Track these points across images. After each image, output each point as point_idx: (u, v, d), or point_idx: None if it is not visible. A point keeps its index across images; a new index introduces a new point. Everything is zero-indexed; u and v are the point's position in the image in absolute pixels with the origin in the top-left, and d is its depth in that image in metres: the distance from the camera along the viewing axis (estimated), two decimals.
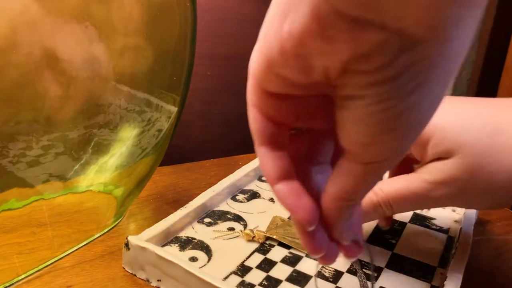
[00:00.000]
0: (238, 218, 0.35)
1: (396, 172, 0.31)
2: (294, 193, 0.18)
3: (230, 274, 0.29)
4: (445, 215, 0.38)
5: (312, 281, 0.29)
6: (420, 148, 0.27)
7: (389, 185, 0.27)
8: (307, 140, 0.19)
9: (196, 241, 0.32)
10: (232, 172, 0.41)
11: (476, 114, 0.25)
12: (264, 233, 0.33)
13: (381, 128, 0.14)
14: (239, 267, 0.30)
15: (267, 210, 0.37)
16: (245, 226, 0.35)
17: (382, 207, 0.27)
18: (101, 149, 0.29)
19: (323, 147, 0.20)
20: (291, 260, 0.31)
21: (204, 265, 0.30)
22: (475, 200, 0.26)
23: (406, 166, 0.31)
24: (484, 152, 0.24)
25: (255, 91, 0.18)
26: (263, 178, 0.43)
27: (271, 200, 0.39)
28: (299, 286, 0.28)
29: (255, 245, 0.32)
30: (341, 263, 0.31)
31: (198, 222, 0.34)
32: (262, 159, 0.18)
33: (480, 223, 0.39)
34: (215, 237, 0.33)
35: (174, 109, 0.33)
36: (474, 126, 0.25)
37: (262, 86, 0.17)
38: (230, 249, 0.32)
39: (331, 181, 0.17)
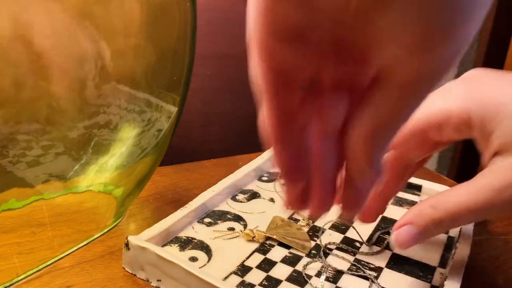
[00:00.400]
0: (238, 218, 0.35)
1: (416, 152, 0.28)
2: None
3: (230, 274, 0.29)
4: None
5: (312, 281, 0.29)
6: (484, 137, 0.24)
7: (450, 199, 0.24)
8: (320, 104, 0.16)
9: (196, 241, 0.32)
10: (232, 172, 0.40)
11: None
12: (264, 233, 0.33)
13: (432, 24, 0.12)
14: (239, 267, 0.30)
15: (267, 210, 0.37)
16: (245, 226, 0.35)
17: (445, 224, 0.25)
18: (101, 149, 0.29)
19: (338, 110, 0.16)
20: (291, 260, 0.31)
21: (204, 265, 0.30)
22: None
23: (426, 147, 0.28)
24: None
25: (263, 37, 0.15)
26: (263, 178, 0.43)
27: (271, 200, 0.39)
28: (299, 286, 0.28)
29: (255, 245, 0.32)
30: (341, 263, 0.31)
31: (198, 222, 0.34)
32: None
33: (480, 223, 0.39)
34: (215, 237, 0.33)
35: (174, 109, 0.33)
36: None
37: (276, 22, 0.14)
38: (230, 249, 0.32)
39: (360, 117, 0.15)
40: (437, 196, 0.25)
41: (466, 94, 0.25)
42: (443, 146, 0.28)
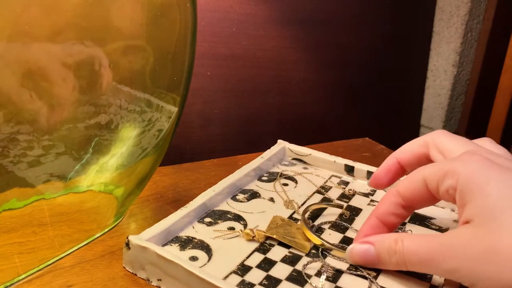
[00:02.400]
0: (238, 218, 0.36)
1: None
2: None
3: (230, 273, 0.29)
4: (445, 215, 0.38)
5: (312, 280, 0.29)
6: (459, 206, 0.26)
7: (411, 240, 0.27)
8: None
9: (196, 240, 0.32)
10: (232, 172, 0.41)
11: None
12: (264, 232, 0.33)
13: None
14: (239, 267, 0.30)
15: (267, 210, 0.37)
16: (245, 225, 0.35)
17: (397, 261, 0.27)
18: (101, 149, 0.29)
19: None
20: (291, 260, 0.31)
21: (204, 264, 0.30)
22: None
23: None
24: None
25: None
26: (263, 178, 0.43)
27: (271, 200, 0.39)
28: (299, 285, 0.28)
29: (255, 245, 0.32)
30: (341, 262, 0.31)
31: (199, 221, 0.35)
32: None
33: None
34: (215, 237, 0.33)
35: (174, 109, 0.33)
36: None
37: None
38: (230, 248, 0.32)
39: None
40: (404, 233, 0.28)
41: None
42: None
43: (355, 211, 0.38)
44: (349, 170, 0.44)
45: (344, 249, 0.31)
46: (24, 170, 0.25)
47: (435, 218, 0.37)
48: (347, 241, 0.33)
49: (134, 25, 0.28)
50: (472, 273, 0.24)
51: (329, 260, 0.31)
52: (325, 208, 0.38)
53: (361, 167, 0.43)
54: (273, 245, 0.32)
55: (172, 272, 0.28)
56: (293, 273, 0.29)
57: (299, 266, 0.30)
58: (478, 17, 0.82)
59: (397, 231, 0.35)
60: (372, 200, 0.40)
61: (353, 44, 0.78)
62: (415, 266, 0.27)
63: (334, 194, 0.40)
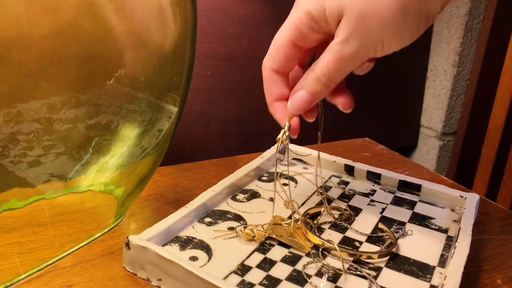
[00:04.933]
0: (238, 218, 0.36)
1: None
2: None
3: (230, 273, 0.29)
4: (445, 215, 0.38)
5: (312, 280, 0.29)
6: (326, 21, 0.28)
7: (321, 61, 0.29)
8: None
9: (196, 240, 0.32)
10: (232, 172, 0.41)
11: None
12: (265, 233, 0.33)
13: None
14: (239, 267, 0.30)
15: (267, 210, 0.37)
16: (245, 225, 0.35)
17: (324, 81, 0.29)
18: (101, 149, 0.29)
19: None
20: (291, 260, 0.31)
21: (204, 264, 0.30)
22: (379, 38, 0.27)
23: None
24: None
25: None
26: (263, 178, 0.43)
27: (271, 200, 0.39)
28: (299, 285, 0.28)
29: (255, 245, 0.32)
30: (341, 263, 0.31)
31: (199, 221, 0.35)
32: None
33: (479, 223, 0.39)
34: (215, 237, 0.33)
35: (174, 109, 0.33)
36: None
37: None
38: (230, 248, 0.32)
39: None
40: (314, 64, 0.30)
41: None
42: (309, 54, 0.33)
43: (355, 211, 0.38)
44: (349, 170, 0.44)
45: (344, 249, 0.31)
46: (24, 170, 0.25)
47: (435, 218, 0.37)
48: (347, 241, 0.33)
49: (134, 25, 0.28)
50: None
51: (329, 260, 0.31)
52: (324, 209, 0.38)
53: (361, 167, 0.43)
54: (273, 245, 0.32)
55: (172, 272, 0.28)
56: (293, 273, 0.29)
57: (299, 266, 0.30)
58: (478, 17, 0.82)
59: (398, 231, 0.35)
60: (372, 200, 0.40)
61: None
62: (336, 74, 0.29)
63: (334, 194, 0.40)
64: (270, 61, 0.31)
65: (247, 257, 0.31)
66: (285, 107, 0.31)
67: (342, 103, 0.31)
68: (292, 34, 0.29)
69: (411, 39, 0.28)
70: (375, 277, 0.29)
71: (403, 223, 0.36)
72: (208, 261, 0.30)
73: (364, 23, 0.26)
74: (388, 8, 0.26)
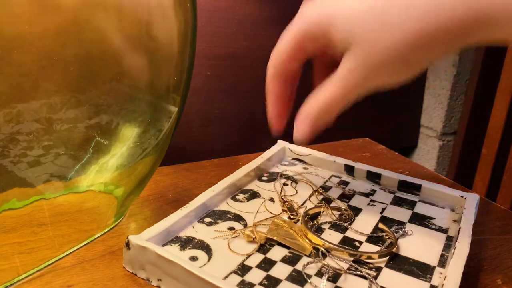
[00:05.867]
0: (238, 218, 0.36)
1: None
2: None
3: (230, 273, 0.29)
4: (445, 215, 0.38)
5: (312, 280, 0.29)
6: (331, 45, 0.28)
7: (319, 95, 0.29)
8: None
9: (196, 240, 0.32)
10: (232, 172, 0.41)
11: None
12: (265, 234, 0.33)
13: None
14: (239, 267, 0.30)
15: (267, 210, 0.37)
16: (245, 225, 0.35)
17: (324, 114, 0.29)
18: (101, 149, 0.29)
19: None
20: (291, 260, 0.31)
21: (204, 264, 0.30)
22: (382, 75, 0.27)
23: None
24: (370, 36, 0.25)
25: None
26: (263, 178, 0.43)
27: (271, 200, 0.39)
28: (299, 285, 0.28)
29: (255, 245, 0.32)
30: (341, 263, 0.31)
31: (199, 221, 0.35)
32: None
33: (479, 223, 0.39)
34: (215, 237, 0.33)
35: (174, 109, 0.33)
36: (363, 14, 0.26)
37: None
38: (230, 248, 0.32)
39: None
40: (314, 95, 0.30)
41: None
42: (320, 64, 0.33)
43: (355, 211, 0.38)
44: (349, 170, 0.44)
45: (344, 249, 0.31)
46: (24, 170, 0.25)
47: (435, 218, 0.37)
48: (347, 241, 0.33)
49: (134, 25, 0.28)
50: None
51: (329, 260, 0.31)
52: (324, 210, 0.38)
53: (361, 167, 0.43)
54: (273, 245, 0.32)
55: (172, 272, 0.28)
56: (293, 273, 0.29)
57: (299, 266, 0.30)
58: None
59: (398, 231, 0.35)
60: (372, 200, 0.40)
61: None
62: (340, 104, 0.29)
63: (334, 194, 0.40)
64: (273, 66, 0.32)
65: (247, 257, 0.31)
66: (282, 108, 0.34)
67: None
68: (294, 45, 0.30)
69: (407, 79, 0.28)
70: (375, 277, 0.29)
71: (403, 223, 0.36)
72: (208, 261, 0.30)
73: (372, 58, 0.26)
74: (396, 47, 0.25)
